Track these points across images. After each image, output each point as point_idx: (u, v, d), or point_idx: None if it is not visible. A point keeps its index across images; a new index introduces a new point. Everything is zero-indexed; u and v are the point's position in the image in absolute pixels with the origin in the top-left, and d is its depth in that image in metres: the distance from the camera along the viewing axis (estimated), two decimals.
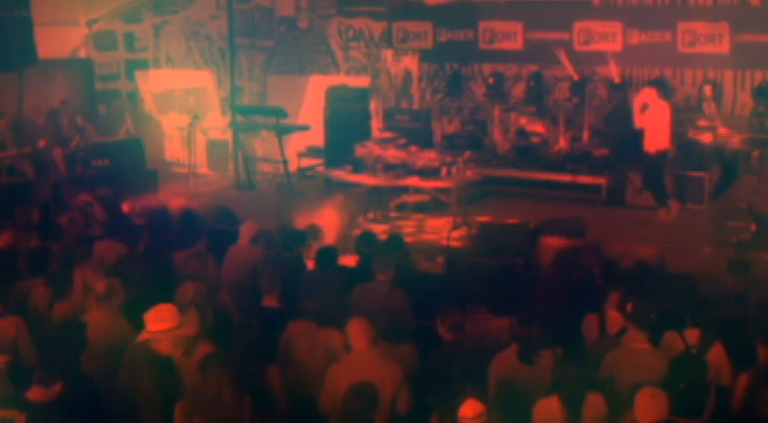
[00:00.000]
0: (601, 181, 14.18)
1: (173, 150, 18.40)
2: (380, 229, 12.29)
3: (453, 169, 12.25)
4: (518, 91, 16.63)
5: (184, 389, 6.55)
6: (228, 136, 17.28)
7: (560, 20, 16.22)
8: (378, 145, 13.04)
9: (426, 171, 12.42)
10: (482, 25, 16.97)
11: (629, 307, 7.26)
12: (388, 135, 13.94)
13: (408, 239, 12.15)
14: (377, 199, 13.12)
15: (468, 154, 13.67)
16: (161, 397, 6.59)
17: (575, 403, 6.26)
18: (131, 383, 6.82)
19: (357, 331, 6.88)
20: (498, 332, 7.82)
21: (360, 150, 13.10)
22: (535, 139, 15.26)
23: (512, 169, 14.87)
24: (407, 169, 12.49)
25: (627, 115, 15.25)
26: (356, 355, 6.86)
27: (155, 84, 19.48)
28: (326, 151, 14.89)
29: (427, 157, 12.54)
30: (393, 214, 13.36)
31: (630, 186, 13.90)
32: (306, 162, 15.94)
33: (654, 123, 13.39)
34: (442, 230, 12.45)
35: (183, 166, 17.03)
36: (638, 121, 13.62)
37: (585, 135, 15.12)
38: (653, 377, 6.70)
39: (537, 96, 16.15)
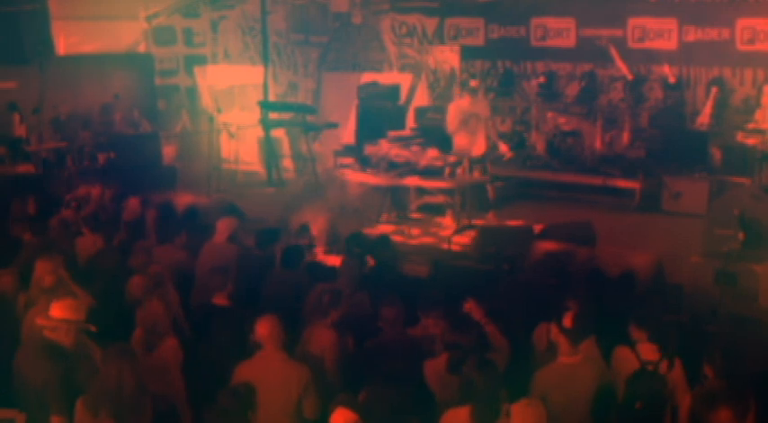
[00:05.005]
0: (635, 185, 13.48)
1: (227, 147, 18.37)
2: (391, 231, 12.01)
3: (458, 170, 11.76)
4: (571, 90, 15.92)
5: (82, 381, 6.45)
6: (280, 133, 17.18)
7: (614, 16, 15.48)
8: (390, 143, 12.62)
9: (429, 171, 11.97)
10: (534, 21, 16.37)
11: (566, 319, 6.75)
12: (406, 133, 13.51)
13: (415, 242, 11.86)
14: (390, 199, 12.76)
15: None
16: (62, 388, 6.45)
17: (489, 415, 5.85)
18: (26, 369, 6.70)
19: (264, 330, 6.66)
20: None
21: (369, 149, 12.72)
22: (571, 140, 14.60)
23: (544, 171, 14.33)
24: (410, 168, 12.06)
25: (676, 116, 14.60)
26: (263, 354, 6.65)
27: (213, 79, 19.50)
28: (357, 149, 14.56)
29: (430, 157, 12.07)
30: (411, 215, 12.96)
31: (666, 191, 13.15)
32: (344, 160, 15.63)
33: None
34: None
35: (231, 163, 17.00)
36: None
37: (625, 136, 14.39)
38: (582, 391, 6.44)
39: (590, 96, 15.47)
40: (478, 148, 13.03)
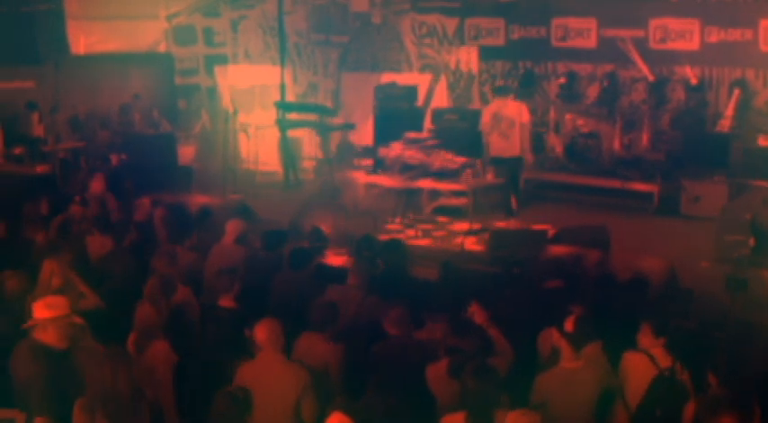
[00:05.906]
0: (653, 188, 13.32)
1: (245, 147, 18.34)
2: (404, 233, 11.94)
3: (470, 172, 11.65)
4: (592, 92, 15.73)
5: (77, 382, 6.43)
6: (302, 134, 17.13)
7: (636, 17, 15.27)
8: (404, 145, 12.50)
9: (443, 173, 11.86)
10: (555, 22, 16.19)
11: (568, 323, 6.64)
12: (422, 135, 13.38)
13: (428, 244, 11.77)
14: (404, 201, 12.66)
15: None
16: (46, 389, 6.42)
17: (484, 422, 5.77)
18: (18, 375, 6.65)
19: (263, 334, 6.59)
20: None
21: (382, 151, 12.63)
22: (590, 142, 14.43)
23: (562, 173, 14.20)
24: (424, 170, 11.95)
25: (698, 118, 14.40)
26: (262, 357, 6.59)
27: (233, 79, 19.48)
28: (374, 151, 14.50)
29: (444, 159, 11.95)
30: (425, 218, 12.85)
31: (685, 195, 12.97)
32: (358, 162, 15.54)
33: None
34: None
35: (250, 163, 16.98)
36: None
37: (645, 138, 14.20)
38: (584, 396, 6.33)
39: (611, 98, 15.28)
40: (512, 152, 12.95)
